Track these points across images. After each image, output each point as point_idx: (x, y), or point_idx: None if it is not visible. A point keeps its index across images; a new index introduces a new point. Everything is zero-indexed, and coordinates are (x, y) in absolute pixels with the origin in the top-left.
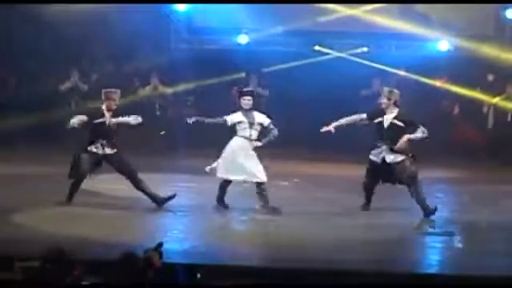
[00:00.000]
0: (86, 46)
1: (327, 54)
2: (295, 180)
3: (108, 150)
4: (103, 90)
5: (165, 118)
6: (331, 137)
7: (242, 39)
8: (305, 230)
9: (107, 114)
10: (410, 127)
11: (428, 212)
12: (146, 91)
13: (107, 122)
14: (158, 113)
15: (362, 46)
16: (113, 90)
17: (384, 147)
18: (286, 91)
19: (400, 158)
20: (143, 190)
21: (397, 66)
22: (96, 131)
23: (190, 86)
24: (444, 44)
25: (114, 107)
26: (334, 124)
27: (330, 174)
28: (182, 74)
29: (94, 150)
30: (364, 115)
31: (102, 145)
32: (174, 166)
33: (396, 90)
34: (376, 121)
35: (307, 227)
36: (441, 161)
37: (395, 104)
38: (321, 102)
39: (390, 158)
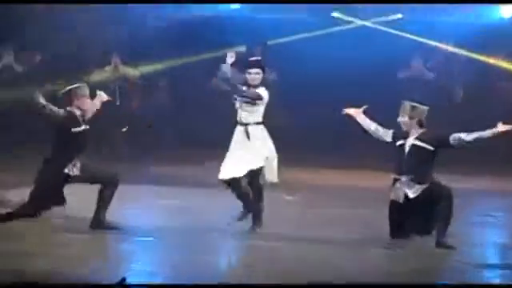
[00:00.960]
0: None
1: (349, 22)
2: (301, 193)
3: (78, 170)
4: (69, 88)
5: (128, 109)
6: (347, 137)
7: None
8: (314, 259)
9: (81, 119)
10: (440, 149)
11: (443, 244)
12: (104, 74)
13: (85, 131)
14: (118, 102)
15: (396, 12)
16: (81, 84)
17: (404, 179)
18: (292, 73)
19: (425, 186)
20: (99, 204)
21: (443, 39)
22: (73, 144)
23: (162, 65)
24: (508, 10)
25: (90, 112)
26: (362, 117)
27: (345, 185)
28: (151, 51)
29: (71, 172)
30: (390, 134)
31: (75, 163)
32: (141, 175)
33: (423, 106)
34: (397, 143)
35: (316, 256)
36: (497, 167)
37: (420, 124)
38: (339, 88)
39: (413, 191)
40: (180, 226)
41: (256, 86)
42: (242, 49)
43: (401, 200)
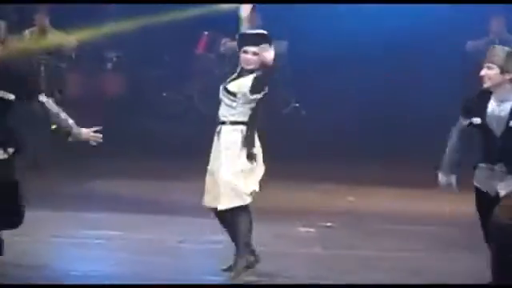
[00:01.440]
0: None
1: None
2: (327, 224)
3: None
4: None
5: (60, 98)
6: (397, 139)
7: None
8: None
9: None
10: None
11: None
12: (25, 41)
13: None
14: (42, 87)
15: None
16: None
17: (497, 167)
18: (309, 46)
19: None
20: None
21: None
22: None
23: (115, 29)
24: None
25: None
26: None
27: (393, 212)
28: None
29: None
30: (465, 122)
31: None
32: (69, 194)
33: None
34: (475, 120)
35: None
36: None
37: None
38: (379, 65)
39: (505, 186)
40: (131, 276)
41: (251, 72)
42: (230, 7)
43: (490, 190)
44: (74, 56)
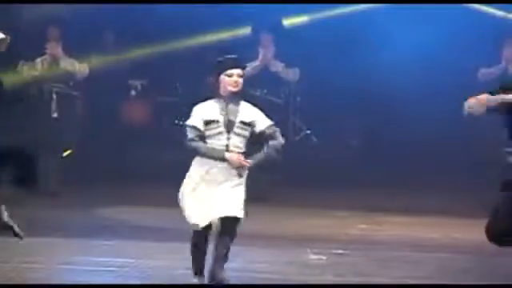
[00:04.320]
0: None
1: None
2: (338, 251)
3: None
4: None
5: (73, 124)
6: (400, 166)
7: None
8: None
9: None
10: None
11: None
12: (35, 69)
13: None
14: (55, 114)
15: None
16: None
17: None
18: (323, 70)
19: None
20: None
21: None
22: None
23: (131, 55)
24: None
25: None
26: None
27: (403, 237)
28: (118, 33)
29: None
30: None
31: None
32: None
33: None
34: None
35: None
36: None
37: None
38: (393, 89)
39: None
40: None
41: (236, 95)
42: (246, 31)
43: None
44: (88, 82)
